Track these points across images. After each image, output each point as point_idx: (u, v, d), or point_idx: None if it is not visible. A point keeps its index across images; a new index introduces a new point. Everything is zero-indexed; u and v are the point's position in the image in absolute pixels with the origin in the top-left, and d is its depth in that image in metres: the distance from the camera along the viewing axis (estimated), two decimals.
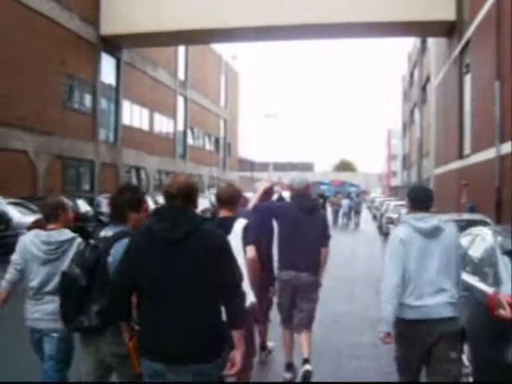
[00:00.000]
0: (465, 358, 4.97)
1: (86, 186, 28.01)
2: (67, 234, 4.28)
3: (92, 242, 3.70)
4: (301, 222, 5.65)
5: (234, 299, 3.03)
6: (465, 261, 5.95)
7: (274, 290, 6.04)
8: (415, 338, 4.05)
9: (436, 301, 4.00)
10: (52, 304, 4.11)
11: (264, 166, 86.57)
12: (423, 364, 4.15)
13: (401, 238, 4.12)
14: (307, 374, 5.36)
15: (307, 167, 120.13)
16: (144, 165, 34.64)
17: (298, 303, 5.71)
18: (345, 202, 34.47)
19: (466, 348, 4.96)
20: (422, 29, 26.36)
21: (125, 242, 3.30)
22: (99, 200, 20.57)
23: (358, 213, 35.08)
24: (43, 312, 4.20)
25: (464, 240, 6.50)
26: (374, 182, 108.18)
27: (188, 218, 2.98)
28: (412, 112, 51.75)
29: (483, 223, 10.06)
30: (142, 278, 2.98)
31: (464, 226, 10.40)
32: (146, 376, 3.06)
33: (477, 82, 20.79)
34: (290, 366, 5.78)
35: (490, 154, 17.95)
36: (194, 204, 3.14)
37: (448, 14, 23.78)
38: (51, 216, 4.32)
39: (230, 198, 4.67)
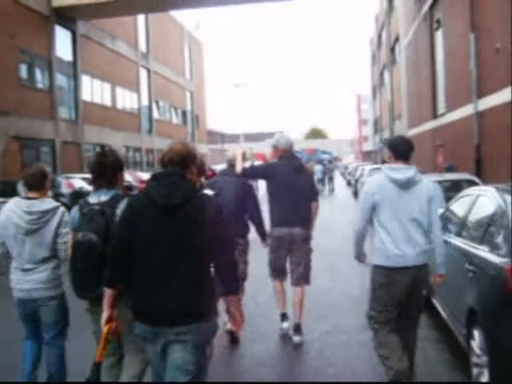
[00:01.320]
0: (475, 346, 4.14)
1: (48, 167, 26.55)
2: (50, 203, 4.23)
3: (97, 207, 3.61)
4: (291, 181, 5.84)
5: (227, 266, 3.06)
6: (465, 227, 5.12)
7: (266, 245, 6.29)
8: (394, 284, 4.21)
9: (410, 251, 4.15)
10: (44, 272, 4.15)
11: (234, 138, 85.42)
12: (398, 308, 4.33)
13: (372, 189, 4.28)
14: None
15: None
16: (108, 142, 33.18)
17: (293, 257, 5.96)
18: (317, 169, 33.70)
19: (476, 334, 4.11)
20: None
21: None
22: (59, 181, 19.21)
23: (331, 179, 34.56)
24: (36, 281, 4.13)
25: (461, 203, 5.67)
26: (346, 148, 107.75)
27: (185, 185, 2.98)
28: (381, 74, 50.87)
29: (471, 183, 9.21)
30: (137, 241, 2.97)
31: (449, 186, 9.62)
32: (141, 338, 3.07)
33: (449, 37, 19.93)
34: (284, 316, 6.10)
35: (466, 111, 17.18)
36: (191, 170, 3.14)
37: None
38: (35, 185, 4.26)
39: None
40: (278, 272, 6.02)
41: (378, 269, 4.29)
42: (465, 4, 16.76)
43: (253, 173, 6.05)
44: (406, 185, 4.18)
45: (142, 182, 23.31)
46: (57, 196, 16.91)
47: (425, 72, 24.41)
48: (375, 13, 53.27)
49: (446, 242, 5.31)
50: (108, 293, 3.15)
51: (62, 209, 4.24)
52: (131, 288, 3.01)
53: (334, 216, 18.64)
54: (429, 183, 4.32)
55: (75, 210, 3.82)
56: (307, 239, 6.03)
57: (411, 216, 4.15)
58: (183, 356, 2.91)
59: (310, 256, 6.08)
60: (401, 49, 33.66)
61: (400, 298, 4.25)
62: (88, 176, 23.20)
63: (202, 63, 59.35)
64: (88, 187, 20.98)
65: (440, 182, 9.60)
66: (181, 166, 3.07)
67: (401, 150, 4.31)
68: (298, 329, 5.87)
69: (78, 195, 18.79)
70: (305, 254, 6.00)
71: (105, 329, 3.16)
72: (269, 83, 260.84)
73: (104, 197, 3.66)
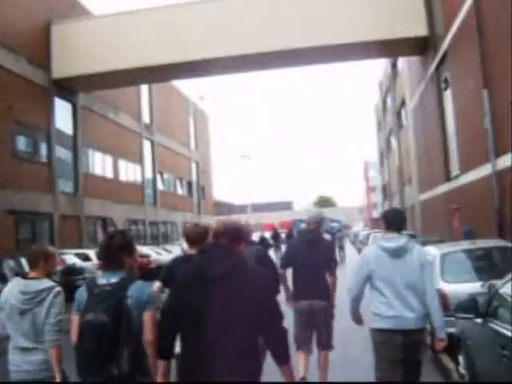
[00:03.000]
0: None
1: (51, 245, 25.42)
2: (46, 282, 4.28)
3: (108, 288, 3.55)
4: (305, 254, 6.23)
5: (276, 336, 3.14)
6: None
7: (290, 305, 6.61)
8: (391, 343, 4.47)
9: (405, 314, 4.44)
10: (41, 354, 4.15)
11: (242, 208, 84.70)
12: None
13: (367, 258, 4.76)
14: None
15: (286, 206, 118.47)
16: (110, 215, 32.27)
17: (315, 328, 6.28)
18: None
19: None
20: (392, 48, 24.83)
21: (139, 283, 3.58)
22: None
23: (341, 248, 33.10)
24: (34, 363, 4.15)
25: None
26: (355, 216, 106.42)
27: (231, 256, 3.18)
28: (388, 140, 50.37)
29: (507, 250, 7.89)
30: (186, 312, 3.10)
31: (484, 255, 8.34)
32: None
33: (459, 96, 19.13)
34: (303, 379, 6.07)
35: (483, 171, 16.09)
36: (240, 244, 3.38)
37: (419, 29, 22.35)
38: (32, 263, 4.42)
39: (197, 237, 5.00)
40: (302, 344, 6.26)
41: (375, 331, 4.64)
42: (475, 59, 15.96)
43: (286, 266, 6.51)
44: (396, 253, 4.54)
45: (141, 256, 21.92)
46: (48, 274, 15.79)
47: (434, 134, 23.56)
48: (379, 79, 53.33)
49: (496, 333, 4.78)
50: (161, 363, 3.30)
51: (57, 289, 4.27)
52: (182, 359, 3.17)
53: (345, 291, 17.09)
54: (421, 250, 4.69)
55: (82, 290, 3.73)
56: (327, 310, 6.27)
57: (405, 282, 4.47)
58: None
59: (331, 324, 6.38)
60: (407, 112, 33.07)
61: (398, 359, 4.47)
62: (82, 251, 22.24)
63: (207, 134, 59.32)
64: (81, 263, 19.88)
65: (471, 251, 8.34)
66: (231, 239, 3.28)
67: (392, 220, 4.79)
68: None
69: (69, 272, 17.74)
70: (326, 325, 6.29)
71: None
72: (274, 152, 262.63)
73: (113, 278, 3.62)
